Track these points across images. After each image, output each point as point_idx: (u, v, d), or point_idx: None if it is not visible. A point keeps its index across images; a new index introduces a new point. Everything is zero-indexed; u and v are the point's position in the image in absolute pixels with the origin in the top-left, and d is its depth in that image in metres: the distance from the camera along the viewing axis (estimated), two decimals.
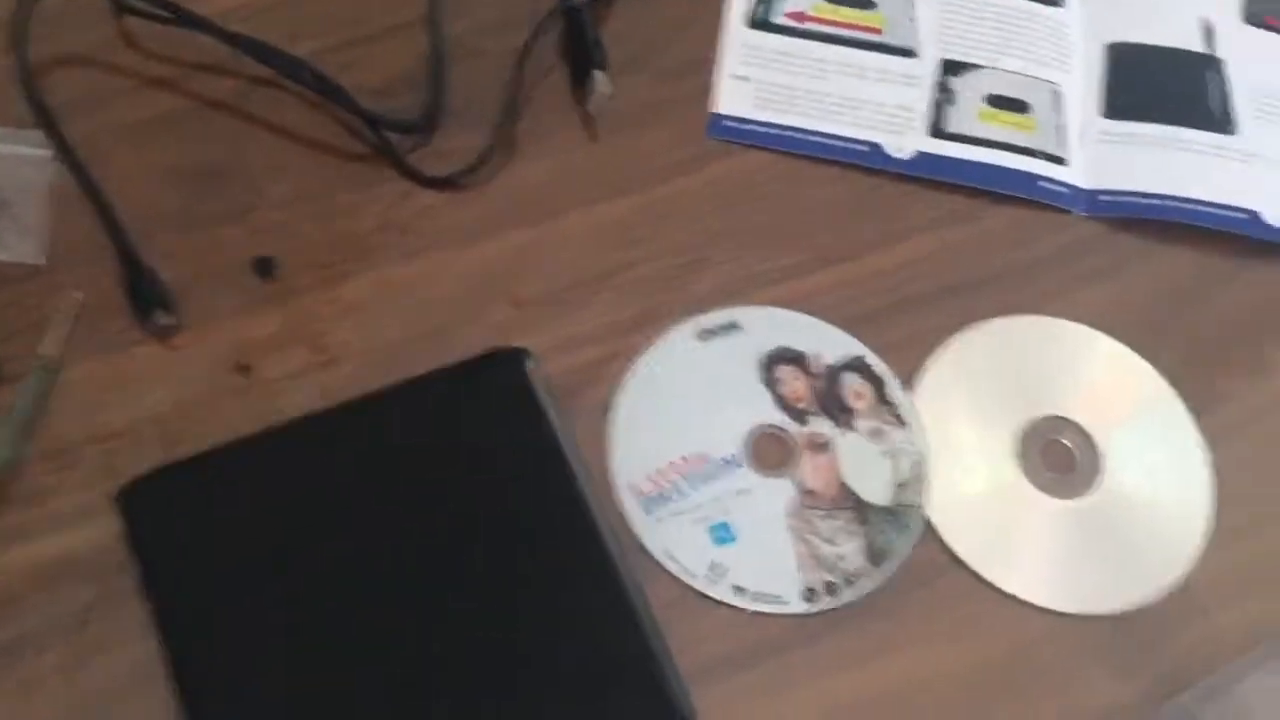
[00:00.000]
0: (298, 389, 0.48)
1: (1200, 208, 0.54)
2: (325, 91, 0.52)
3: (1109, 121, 0.57)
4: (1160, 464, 0.50)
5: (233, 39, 0.51)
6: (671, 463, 0.48)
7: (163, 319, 0.48)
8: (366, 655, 0.42)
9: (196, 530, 0.43)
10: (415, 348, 0.49)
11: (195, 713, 0.41)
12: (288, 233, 0.51)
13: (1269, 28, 0.60)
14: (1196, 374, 0.52)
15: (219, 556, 0.43)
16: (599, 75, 0.54)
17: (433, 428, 0.46)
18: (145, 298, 0.48)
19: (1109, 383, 0.51)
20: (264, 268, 0.50)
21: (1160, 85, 0.58)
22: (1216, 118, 0.57)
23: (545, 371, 0.48)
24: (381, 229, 0.51)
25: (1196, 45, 0.59)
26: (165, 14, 0.51)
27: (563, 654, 0.43)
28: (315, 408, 0.46)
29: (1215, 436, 0.50)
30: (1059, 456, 0.50)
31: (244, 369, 0.48)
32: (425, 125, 0.53)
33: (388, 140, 0.52)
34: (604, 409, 0.49)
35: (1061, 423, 0.50)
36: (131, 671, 0.43)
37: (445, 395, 0.47)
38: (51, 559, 0.44)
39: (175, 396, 0.47)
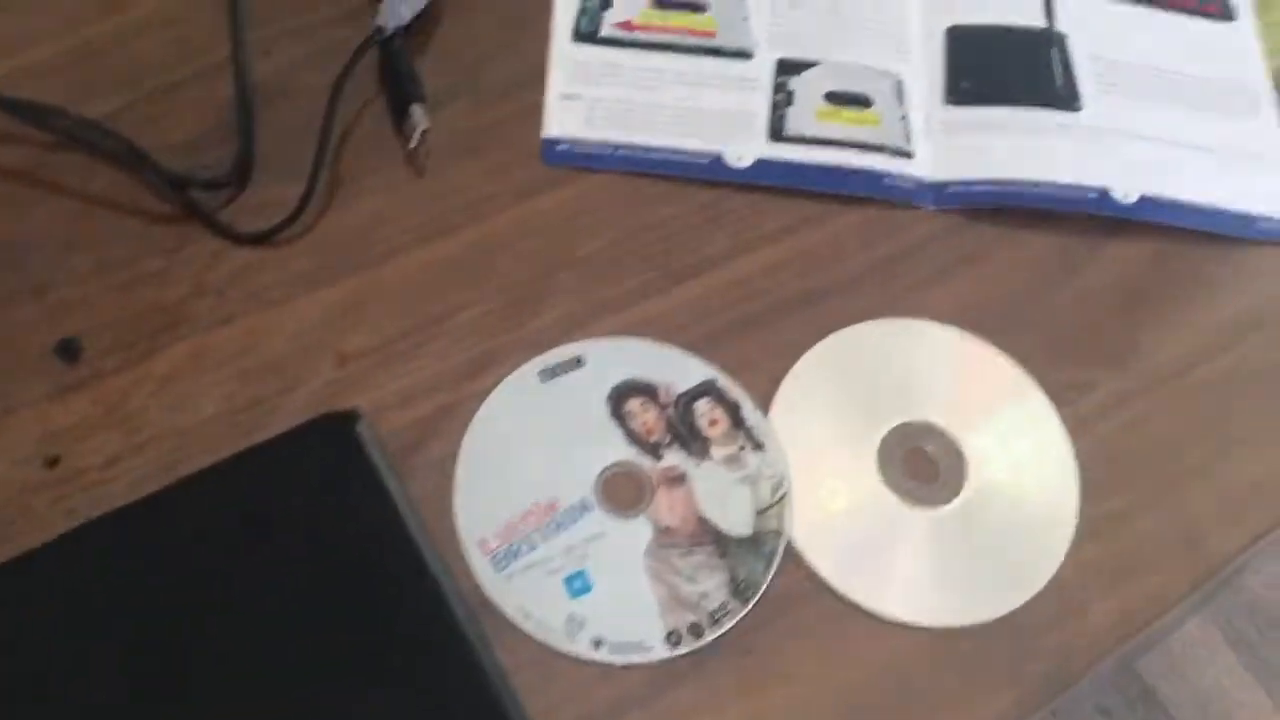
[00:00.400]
0: (113, 478, 0.45)
1: (1050, 190, 0.53)
2: (120, 156, 0.49)
3: (952, 109, 0.55)
4: (1025, 460, 0.48)
5: (8, 106, 0.47)
6: (520, 514, 0.46)
7: None
8: None
9: (9, 642, 0.40)
10: (238, 419, 0.46)
11: None
12: (92, 309, 0.48)
13: None
14: (1057, 363, 0.50)
15: (36, 666, 0.40)
16: (416, 109, 0.51)
17: (261, 505, 0.43)
18: None
19: (969, 381, 0.50)
20: (67, 350, 0.46)
21: (1002, 66, 0.56)
22: (1060, 95, 0.55)
23: (379, 431, 0.46)
24: (194, 295, 0.48)
25: (1037, 20, 0.58)
26: None
27: None
28: (134, 495, 0.43)
29: (1078, 426, 0.49)
30: (922, 464, 0.48)
31: (52, 462, 0.45)
32: (236, 179, 0.50)
33: (195, 201, 0.49)
34: (446, 464, 0.46)
35: (923, 428, 0.49)
36: None
37: (271, 470, 0.44)
38: None
39: None
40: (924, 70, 0.56)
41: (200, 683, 0.40)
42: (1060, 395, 0.50)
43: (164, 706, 0.40)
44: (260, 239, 0.49)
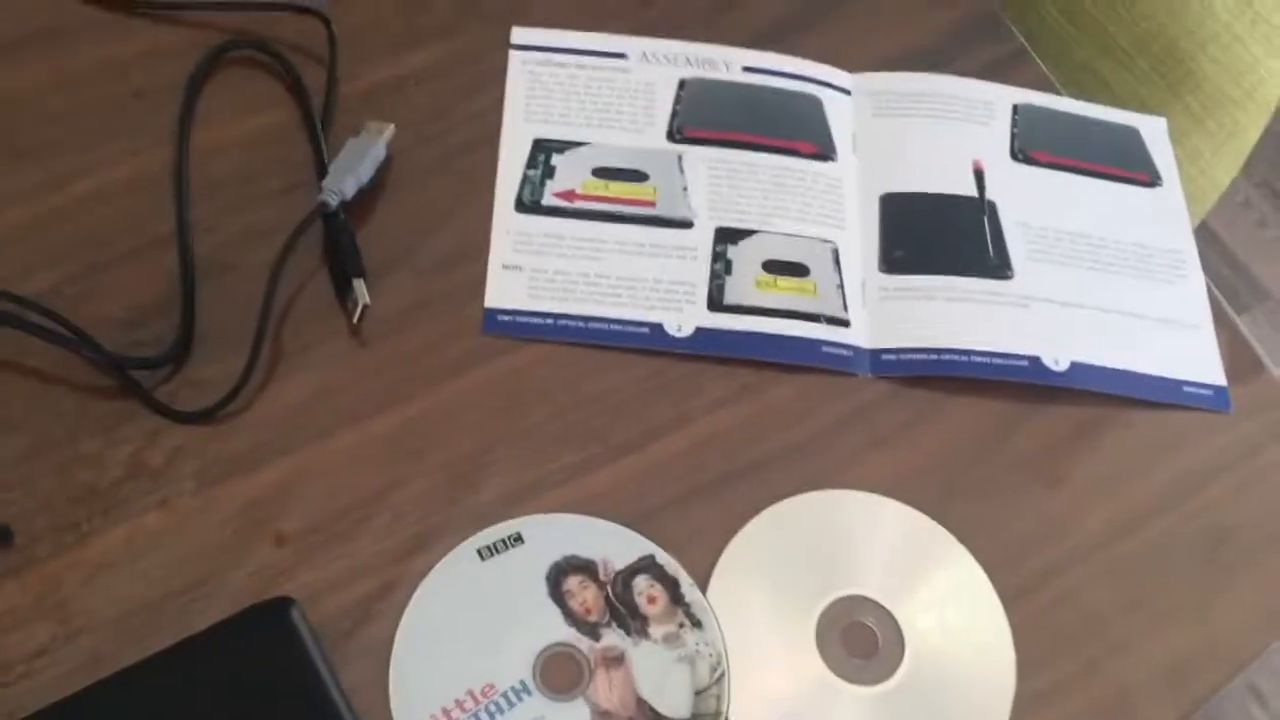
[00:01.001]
0: (41, 669, 0.44)
1: (982, 359, 0.54)
2: (58, 336, 0.49)
3: (887, 276, 0.57)
4: (962, 632, 0.49)
5: None
6: (457, 699, 0.45)
7: None
8: None
9: None
10: (173, 606, 0.46)
11: None
12: (25, 492, 0.47)
13: (1037, 163, 0.61)
14: (990, 533, 0.51)
15: None
16: (358, 284, 0.52)
17: (193, 698, 0.42)
18: None
19: (905, 552, 0.50)
20: None
21: (935, 234, 0.58)
22: (991, 263, 0.57)
23: (316, 614, 0.46)
24: (130, 476, 0.48)
25: (969, 189, 0.59)
26: None
27: None
28: (63, 690, 0.43)
29: (1012, 595, 0.50)
30: (861, 639, 0.48)
31: None
32: (175, 356, 0.50)
33: (133, 379, 0.49)
34: (383, 648, 0.46)
35: (861, 601, 0.49)
36: None
37: (206, 661, 0.43)
38: None
39: None
40: (859, 238, 0.58)
41: None
42: (994, 566, 0.50)
43: None
44: (199, 417, 0.49)
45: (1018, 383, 0.54)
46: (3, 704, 0.43)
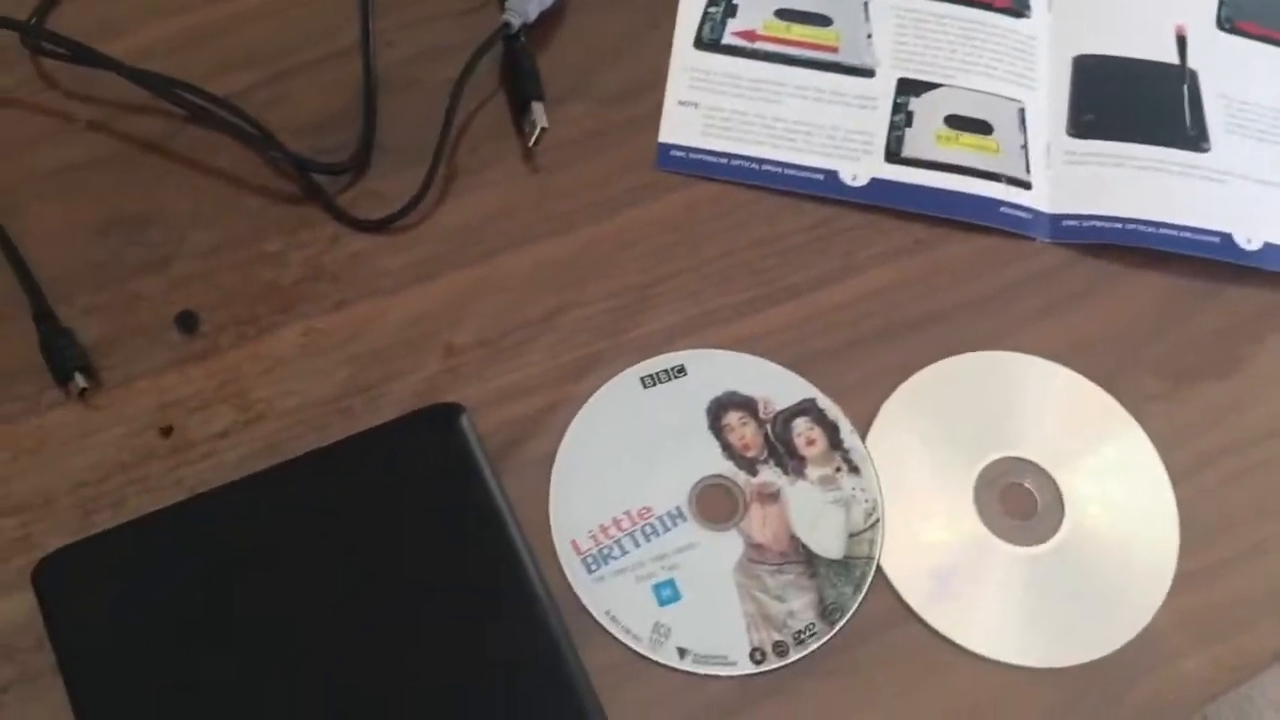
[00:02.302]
0: (222, 451, 0.46)
1: (1170, 231, 0.52)
2: (247, 136, 0.50)
3: (1075, 140, 0.54)
4: (1125, 504, 0.48)
5: (143, 79, 0.48)
6: (614, 518, 0.46)
7: (81, 382, 0.46)
8: None
9: (117, 606, 0.42)
10: (345, 404, 0.47)
11: None
12: (211, 284, 0.49)
13: (1244, 34, 0.57)
14: (1163, 407, 0.49)
15: (141, 633, 0.41)
16: (536, 106, 0.52)
17: (363, 491, 0.44)
18: (63, 360, 0.46)
19: (1073, 420, 0.49)
20: (186, 323, 0.48)
21: (1130, 100, 0.55)
22: (1188, 134, 0.54)
23: (482, 425, 0.46)
24: (310, 278, 0.49)
25: (1169, 55, 0.56)
26: (64, 52, 0.48)
27: None
28: (241, 471, 0.45)
29: (1181, 474, 0.48)
30: (1019, 501, 0.48)
31: (166, 431, 0.46)
32: (356, 165, 0.51)
33: (317, 184, 0.50)
34: (544, 463, 0.47)
35: (1022, 464, 0.48)
36: None
37: (376, 456, 0.45)
38: None
39: (95, 462, 0.45)
40: (1047, 99, 0.55)
41: (291, 659, 0.41)
42: (1165, 440, 0.49)
43: (254, 680, 0.41)
44: (377, 226, 0.50)
45: (1205, 259, 0.52)
46: (186, 479, 0.45)
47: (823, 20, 0.56)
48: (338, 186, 0.51)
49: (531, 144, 0.52)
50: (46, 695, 0.42)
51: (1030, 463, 0.48)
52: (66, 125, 0.52)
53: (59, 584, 0.42)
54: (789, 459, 0.47)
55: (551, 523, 0.46)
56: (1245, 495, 0.48)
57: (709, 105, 0.54)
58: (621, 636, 0.44)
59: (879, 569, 0.46)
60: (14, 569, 0.43)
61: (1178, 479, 0.48)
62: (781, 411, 0.48)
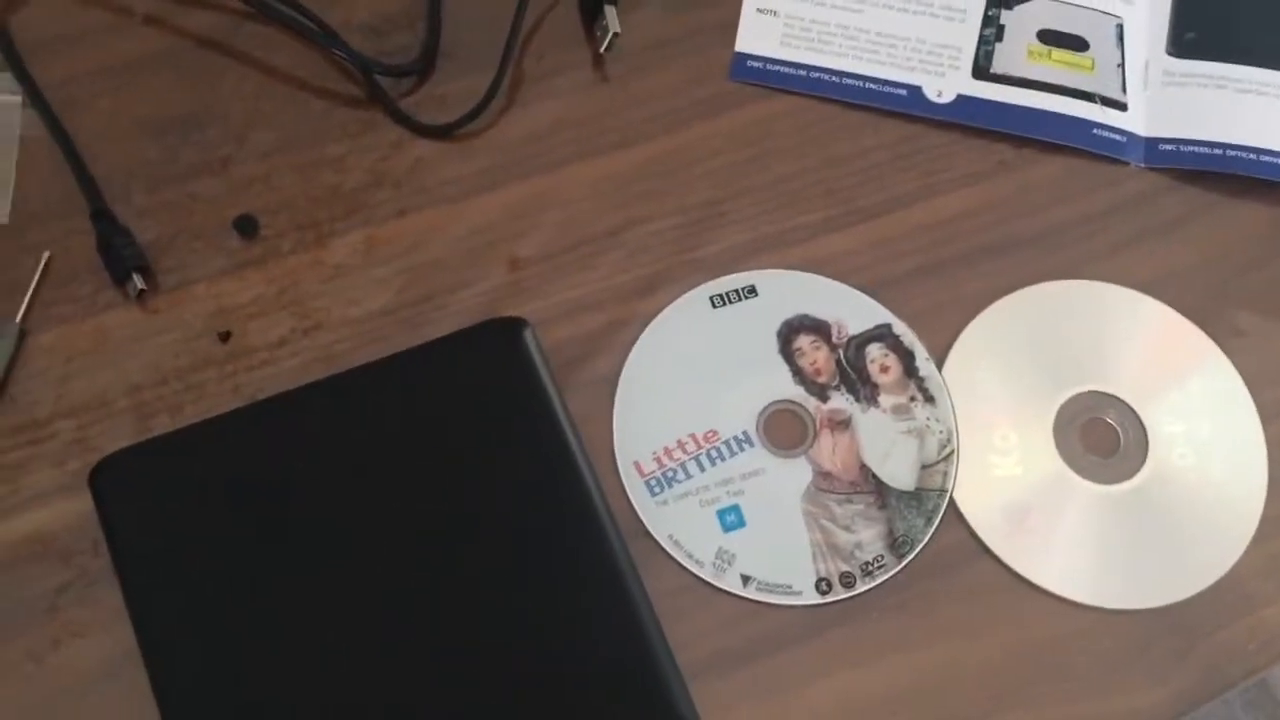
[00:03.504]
0: (280, 360, 0.45)
1: (1271, 159, 0.49)
2: (312, 34, 0.48)
3: (1175, 60, 0.51)
4: (1213, 445, 0.46)
5: None
6: (679, 440, 0.45)
7: (139, 283, 0.45)
8: (349, 638, 0.40)
9: (173, 510, 0.41)
10: (405, 315, 0.46)
11: (169, 700, 0.39)
12: (270, 187, 0.47)
13: None
14: (1256, 345, 0.47)
15: (197, 538, 0.41)
16: (609, 10, 0.49)
17: (424, 404, 0.43)
18: (121, 260, 0.45)
19: (1160, 355, 0.47)
20: (246, 226, 0.46)
21: (1234, 19, 0.52)
22: None
23: (545, 341, 0.45)
24: (372, 183, 0.48)
25: None
26: None
27: (553, 647, 0.40)
28: (300, 380, 0.44)
29: (1272, 411, 0.46)
30: (1101, 437, 0.46)
31: (224, 336, 0.45)
32: (421, 68, 0.49)
33: (380, 87, 0.49)
34: (608, 382, 0.45)
35: (1105, 399, 0.46)
36: (107, 656, 0.41)
37: (438, 369, 0.43)
38: (21, 538, 0.42)
39: (152, 365, 0.45)
40: (1148, 16, 0.52)
41: (344, 568, 0.41)
42: (1256, 380, 0.47)
43: (307, 588, 0.40)
44: (442, 132, 0.48)
45: None
46: (247, 385, 0.44)
47: None
48: (401, 90, 0.49)
49: (603, 50, 0.50)
50: (103, 597, 0.41)
51: (1114, 398, 0.46)
52: (123, 19, 0.50)
53: (116, 487, 0.41)
54: (861, 386, 0.46)
55: (615, 443, 0.45)
56: None
57: (789, 13, 0.51)
58: (684, 561, 0.43)
59: (951, 502, 0.44)
60: (70, 471, 0.43)
61: (1268, 418, 0.46)
62: (855, 337, 0.47)
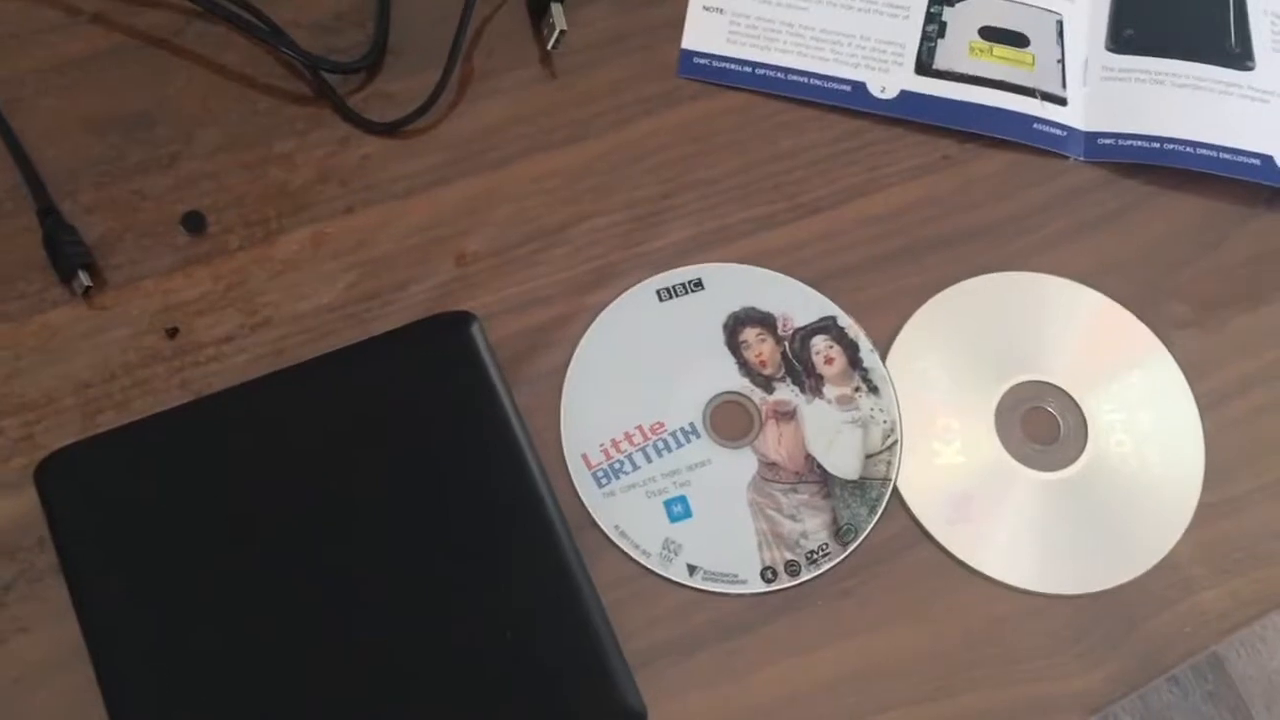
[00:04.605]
0: (228, 355, 0.45)
1: (1208, 152, 0.50)
2: (259, 32, 0.48)
3: (1114, 56, 0.52)
4: (1150, 432, 0.46)
5: None
6: (626, 433, 0.45)
7: (85, 280, 0.45)
8: (296, 632, 0.40)
9: (119, 506, 0.41)
10: (353, 310, 0.46)
11: (116, 697, 0.39)
12: (218, 184, 0.47)
13: None
14: (1194, 335, 0.48)
15: (143, 534, 0.41)
16: (556, 8, 0.50)
17: (371, 398, 0.43)
18: (67, 257, 0.45)
19: (1100, 345, 0.48)
20: (193, 223, 0.46)
21: (1172, 15, 0.53)
22: (1231, 51, 0.52)
23: (493, 336, 0.45)
24: (319, 180, 0.48)
25: None
26: None
27: (499, 638, 0.40)
28: (247, 375, 0.44)
29: (1209, 403, 0.47)
30: (1042, 426, 0.47)
31: (172, 333, 0.45)
32: (369, 65, 0.49)
33: (328, 84, 0.49)
34: (556, 375, 0.46)
35: (1046, 388, 0.47)
36: (53, 652, 0.41)
37: (385, 363, 0.44)
38: None
39: (98, 361, 0.45)
40: (1088, 12, 0.53)
41: (290, 562, 0.41)
42: (1194, 369, 0.47)
43: (253, 583, 0.41)
44: (390, 129, 0.49)
45: (1243, 182, 0.50)
46: (193, 380, 0.45)
47: None
48: (349, 87, 0.50)
49: (550, 47, 0.50)
50: (48, 594, 0.41)
51: (1054, 387, 0.47)
52: (71, 18, 0.50)
53: (62, 483, 0.41)
54: (806, 377, 0.46)
55: (563, 436, 0.45)
56: (1273, 428, 0.47)
57: (735, 10, 0.52)
58: (631, 552, 0.43)
59: (895, 491, 0.45)
60: (16, 469, 0.43)
61: (1205, 408, 0.47)
62: (800, 329, 0.47)
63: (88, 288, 0.45)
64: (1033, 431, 0.47)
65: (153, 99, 0.49)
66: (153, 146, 0.48)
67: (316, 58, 0.49)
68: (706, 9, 0.52)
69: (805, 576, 0.44)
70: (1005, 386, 0.47)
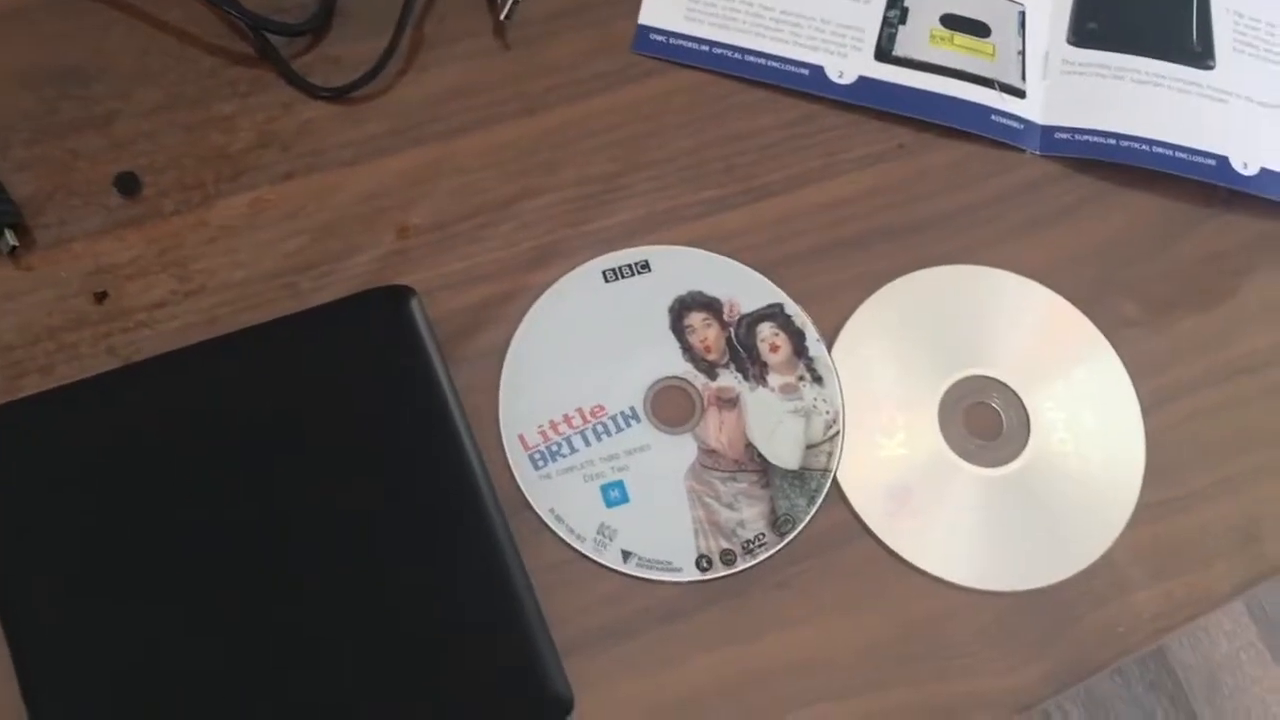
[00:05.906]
0: (159, 322, 0.44)
1: (1164, 151, 0.50)
2: None
3: (1075, 49, 0.52)
4: (1093, 431, 0.46)
5: None
6: (565, 415, 0.44)
7: (11, 239, 0.43)
8: (220, 607, 0.39)
9: (38, 475, 0.40)
10: (290, 280, 0.45)
11: (30, 672, 0.38)
12: (155, 145, 0.46)
13: None
14: (1142, 335, 0.48)
15: (62, 504, 0.40)
16: None
17: (304, 370, 0.42)
18: None
19: (1046, 341, 0.48)
20: (127, 184, 0.45)
21: (1134, 10, 0.52)
22: (1192, 50, 0.51)
23: (433, 311, 0.45)
24: (260, 145, 0.47)
25: None
26: None
27: (426, 620, 0.40)
28: (178, 343, 0.43)
29: (1152, 402, 0.47)
30: (985, 421, 0.46)
31: (100, 296, 0.44)
32: (315, 27, 0.48)
33: (272, 45, 0.47)
34: (496, 354, 0.45)
35: (990, 383, 0.47)
36: None
37: (320, 335, 0.43)
38: None
39: (23, 324, 0.43)
40: (1051, 4, 0.52)
41: (216, 535, 0.40)
42: (1139, 369, 0.47)
43: (177, 554, 0.40)
44: (334, 95, 0.47)
45: (1198, 182, 0.50)
46: (122, 347, 0.43)
47: None
48: (294, 50, 0.48)
49: (503, 17, 0.49)
50: None
51: (999, 382, 0.47)
52: None
53: None
54: (751, 365, 0.46)
55: (500, 416, 0.44)
56: (1215, 430, 0.47)
57: None
58: (565, 536, 0.43)
59: (835, 482, 0.44)
60: None
61: (1148, 409, 0.47)
62: (746, 315, 0.47)
63: (14, 247, 0.44)
64: (975, 427, 0.46)
65: (90, 54, 0.48)
66: (88, 103, 0.47)
67: (260, 18, 0.47)
68: None
69: (741, 566, 0.43)
70: (950, 380, 0.47)
